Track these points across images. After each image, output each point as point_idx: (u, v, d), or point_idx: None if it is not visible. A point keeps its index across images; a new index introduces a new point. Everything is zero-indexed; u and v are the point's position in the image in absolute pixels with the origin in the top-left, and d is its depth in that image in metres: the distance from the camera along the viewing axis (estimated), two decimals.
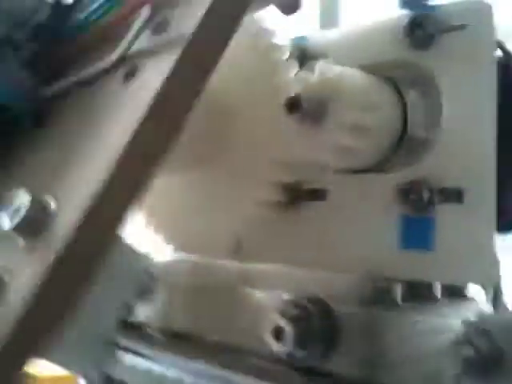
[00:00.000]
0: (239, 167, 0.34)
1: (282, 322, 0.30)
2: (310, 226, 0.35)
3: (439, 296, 0.34)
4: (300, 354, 0.30)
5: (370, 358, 0.31)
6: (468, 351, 0.27)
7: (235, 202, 0.35)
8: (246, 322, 0.36)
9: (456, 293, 0.36)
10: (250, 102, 0.34)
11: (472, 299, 0.37)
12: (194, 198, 0.37)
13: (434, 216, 0.30)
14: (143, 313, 0.40)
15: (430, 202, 0.30)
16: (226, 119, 0.34)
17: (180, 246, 0.38)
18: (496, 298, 0.42)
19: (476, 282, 0.32)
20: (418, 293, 0.34)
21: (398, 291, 0.32)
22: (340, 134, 0.29)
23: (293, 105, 0.29)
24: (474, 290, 0.39)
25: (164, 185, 0.39)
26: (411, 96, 0.33)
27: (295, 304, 0.31)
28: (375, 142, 0.31)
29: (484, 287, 0.34)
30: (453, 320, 0.31)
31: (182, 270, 0.38)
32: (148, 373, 0.36)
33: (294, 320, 0.30)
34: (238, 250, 0.38)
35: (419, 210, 0.30)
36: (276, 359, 0.32)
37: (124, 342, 0.39)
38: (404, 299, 0.33)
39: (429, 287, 0.34)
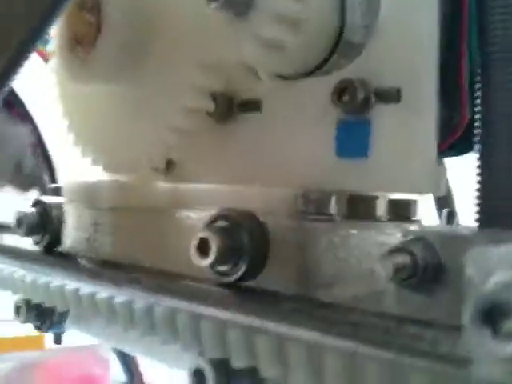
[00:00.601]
0: (162, 73, 0.32)
1: (207, 234, 0.28)
2: (244, 140, 0.33)
3: (381, 215, 0.32)
4: (227, 268, 0.28)
5: (302, 273, 0.29)
6: (403, 258, 0.25)
7: (160, 113, 0.32)
8: (179, 245, 0.33)
9: (401, 214, 0.34)
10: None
11: (419, 221, 0.35)
12: (118, 112, 0.34)
13: (370, 119, 0.28)
14: (69, 241, 0.38)
15: (366, 103, 0.28)
16: (147, 20, 0.31)
17: (106, 166, 0.35)
18: (449, 221, 0.40)
19: (416, 192, 0.30)
20: (358, 211, 0.32)
21: (333, 204, 0.29)
22: (267, 25, 0.26)
23: None
24: (427, 214, 0.38)
25: (87, 100, 0.36)
26: None
27: (223, 216, 0.29)
28: (307, 40, 0.29)
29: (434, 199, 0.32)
30: (391, 234, 0.30)
31: (107, 192, 0.35)
32: (76, 294, 0.33)
33: (219, 232, 0.28)
34: (168, 170, 0.36)
35: (354, 112, 0.28)
36: (207, 280, 0.29)
37: (51, 271, 0.36)
38: (342, 218, 0.31)
39: (369, 205, 0.32)
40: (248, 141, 0.33)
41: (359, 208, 0.31)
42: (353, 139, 0.28)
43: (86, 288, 0.31)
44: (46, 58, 0.58)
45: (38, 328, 0.40)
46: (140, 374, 0.78)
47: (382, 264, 0.24)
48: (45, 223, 0.39)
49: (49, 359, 0.93)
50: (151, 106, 0.33)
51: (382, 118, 0.28)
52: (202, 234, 0.28)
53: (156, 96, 0.32)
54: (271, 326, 0.24)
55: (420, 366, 0.20)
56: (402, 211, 0.34)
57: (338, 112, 0.29)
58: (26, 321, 0.38)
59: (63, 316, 0.39)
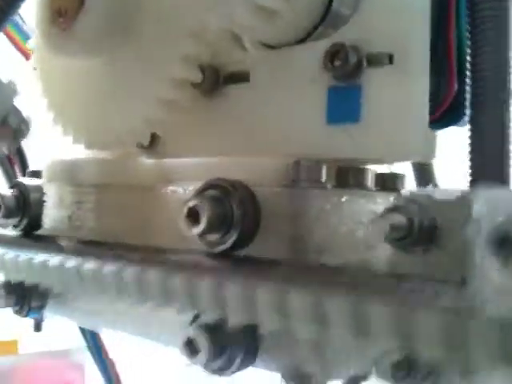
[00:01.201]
0: (149, 44, 0.31)
1: (197, 202, 0.27)
2: (232, 112, 0.33)
3: (370, 185, 0.32)
4: (217, 237, 0.28)
5: (294, 241, 0.28)
6: (398, 218, 0.24)
7: (147, 86, 0.31)
8: (166, 221, 0.33)
9: (389, 187, 0.34)
10: None
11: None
12: (101, 87, 0.33)
13: (361, 84, 0.28)
14: (50, 221, 0.36)
15: (358, 67, 0.28)
16: None
17: (88, 144, 0.34)
18: None
19: (407, 158, 0.29)
20: (347, 182, 0.31)
21: (324, 172, 0.29)
22: None
23: None
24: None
25: (69, 76, 0.35)
26: None
27: (213, 185, 0.28)
28: (298, 7, 0.28)
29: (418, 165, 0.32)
30: (384, 201, 0.29)
31: (90, 169, 0.35)
32: (61, 267, 0.31)
33: (209, 200, 0.27)
34: (152, 146, 0.35)
35: (346, 77, 0.28)
36: (197, 252, 0.29)
37: (31, 251, 0.35)
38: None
39: (359, 176, 0.32)
40: (236, 113, 0.32)
41: (348, 179, 0.31)
42: (344, 105, 0.28)
43: (70, 261, 0.30)
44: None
45: (17, 313, 0.38)
46: (119, 380, 0.76)
47: (376, 223, 0.24)
48: (23, 206, 0.38)
49: (22, 364, 0.90)
50: (136, 79, 0.32)
51: (374, 82, 0.28)
52: (192, 203, 0.27)
53: (141, 68, 0.32)
54: (270, 282, 0.23)
55: (424, 316, 0.20)
56: (389, 184, 0.34)
57: (329, 78, 0.29)
58: (5, 305, 0.37)
59: (43, 300, 0.38)
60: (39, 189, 0.38)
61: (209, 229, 0.27)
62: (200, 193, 0.28)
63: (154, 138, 0.35)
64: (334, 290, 0.22)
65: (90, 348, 0.65)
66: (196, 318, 0.27)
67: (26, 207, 0.38)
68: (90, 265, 0.28)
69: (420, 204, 0.25)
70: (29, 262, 0.31)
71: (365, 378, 0.32)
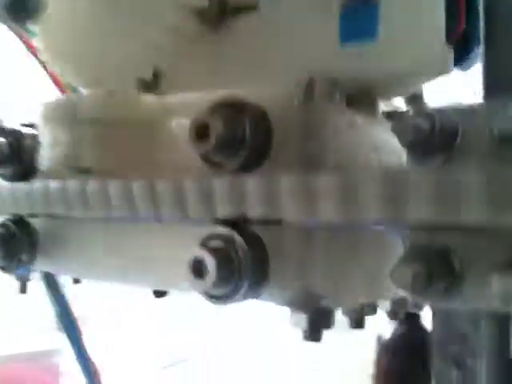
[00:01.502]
0: None
1: (208, 118, 0.26)
2: (241, 42, 0.32)
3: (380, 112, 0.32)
4: (225, 157, 0.26)
5: (308, 158, 0.27)
6: (421, 120, 0.23)
7: (149, 12, 0.30)
8: (169, 155, 0.31)
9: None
10: None
11: None
12: (104, 24, 0.32)
13: (376, 2, 0.28)
14: (47, 160, 0.35)
15: None
16: None
17: (89, 80, 0.33)
18: None
19: (424, 73, 0.29)
20: (359, 107, 0.31)
21: (337, 92, 0.28)
22: None
23: None
24: None
25: (69, 17, 0.34)
26: None
27: (224, 102, 0.27)
28: None
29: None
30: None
31: (91, 104, 0.33)
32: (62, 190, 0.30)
33: (220, 116, 0.26)
34: (156, 82, 0.34)
35: None
36: None
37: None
38: None
39: (371, 101, 0.31)
40: (245, 43, 0.32)
41: (360, 103, 0.30)
42: (358, 23, 0.28)
43: (72, 184, 0.29)
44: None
45: (3, 269, 0.36)
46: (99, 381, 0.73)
47: (400, 126, 0.23)
48: (17, 152, 0.36)
49: None
50: (139, 7, 0.31)
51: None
52: (202, 117, 0.26)
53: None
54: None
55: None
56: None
57: None
58: None
59: (31, 256, 0.36)
60: (33, 136, 0.37)
61: (218, 147, 0.26)
62: (211, 109, 0.27)
63: (156, 76, 0.34)
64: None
65: (72, 347, 0.62)
66: (205, 241, 0.26)
67: (20, 153, 0.36)
68: (94, 183, 0.27)
69: (441, 110, 0.24)
70: (29, 190, 0.30)
71: (373, 310, 0.31)
